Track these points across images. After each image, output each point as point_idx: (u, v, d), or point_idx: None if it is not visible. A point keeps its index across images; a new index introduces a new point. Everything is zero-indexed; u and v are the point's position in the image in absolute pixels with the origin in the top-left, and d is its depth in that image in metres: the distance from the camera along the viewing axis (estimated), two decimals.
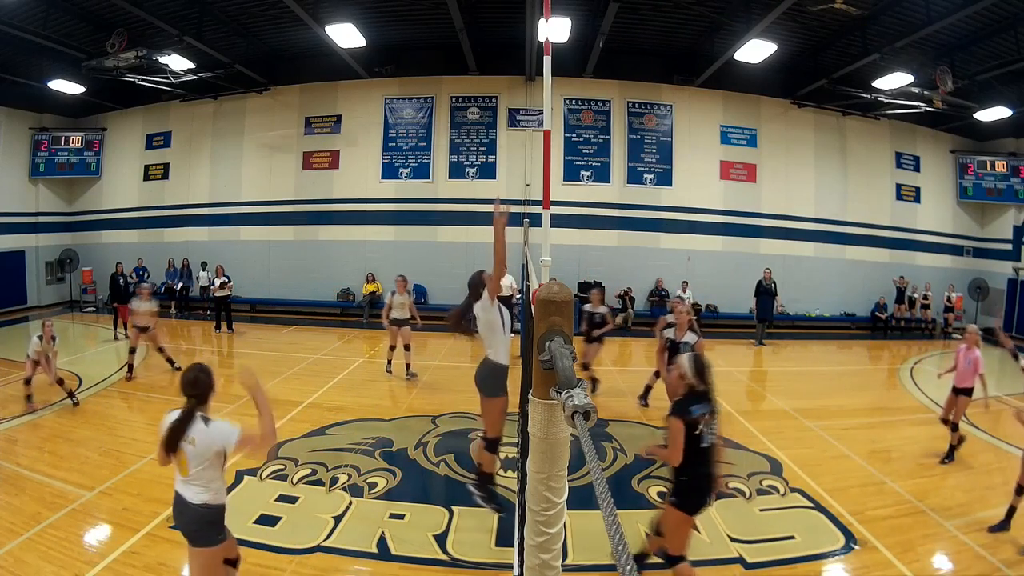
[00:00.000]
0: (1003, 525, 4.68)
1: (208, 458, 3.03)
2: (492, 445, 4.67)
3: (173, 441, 2.97)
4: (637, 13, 11.82)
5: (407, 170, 15.09)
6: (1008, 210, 15.76)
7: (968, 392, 6.21)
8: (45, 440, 6.06)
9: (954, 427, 6.29)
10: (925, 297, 15.19)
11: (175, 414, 3.00)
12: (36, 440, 5.97)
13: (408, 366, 9.27)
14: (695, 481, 3.46)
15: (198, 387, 3.04)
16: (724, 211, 15.15)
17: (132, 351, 8.94)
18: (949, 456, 6.25)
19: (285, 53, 14.65)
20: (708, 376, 3.47)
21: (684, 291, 14.66)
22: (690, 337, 6.43)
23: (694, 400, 3.43)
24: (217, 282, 12.73)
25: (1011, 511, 4.70)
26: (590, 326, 8.15)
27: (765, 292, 13.09)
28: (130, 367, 8.82)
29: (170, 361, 9.15)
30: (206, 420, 3.00)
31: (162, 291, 15.58)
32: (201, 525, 3.09)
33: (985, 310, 15.77)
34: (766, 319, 13.22)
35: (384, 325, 9.29)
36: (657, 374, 7.55)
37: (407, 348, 9.26)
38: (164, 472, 5.34)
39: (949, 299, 15.16)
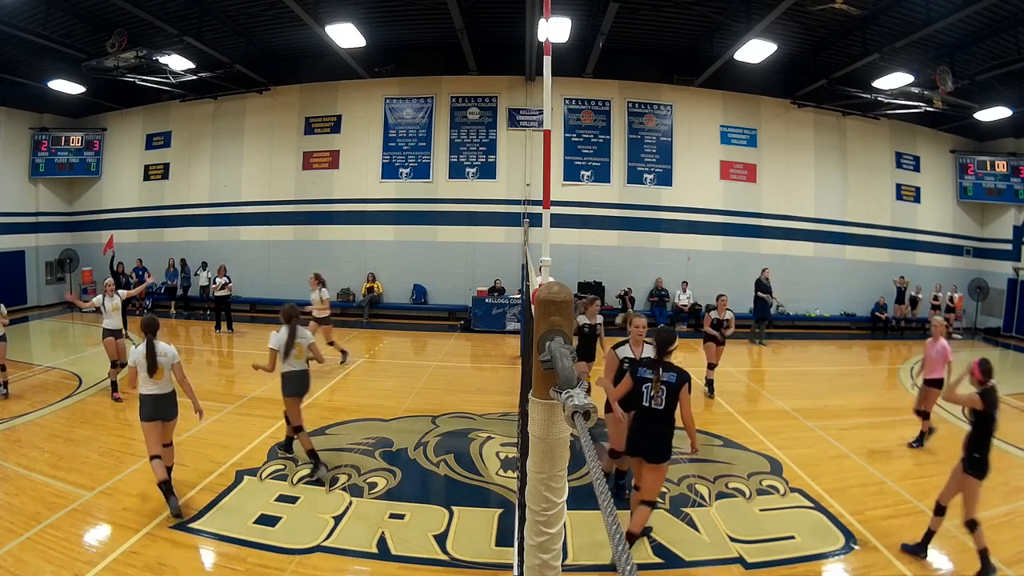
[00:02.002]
0: (919, 550, 4.26)
1: (170, 363, 4.82)
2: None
3: (153, 361, 4.71)
4: (637, 13, 11.81)
5: (407, 170, 15.09)
6: (1008, 210, 15.76)
7: (938, 383, 6.35)
8: (45, 440, 6.05)
9: (925, 415, 6.62)
10: (936, 298, 15.18)
11: (142, 347, 4.75)
12: (36, 440, 5.97)
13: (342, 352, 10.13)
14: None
15: (153, 326, 4.89)
16: (724, 211, 15.15)
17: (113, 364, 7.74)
18: (918, 441, 6.60)
19: (285, 53, 14.65)
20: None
21: (684, 291, 14.68)
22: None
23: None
24: (219, 281, 12.73)
25: (929, 534, 4.27)
26: (581, 341, 6.68)
27: (763, 291, 13.17)
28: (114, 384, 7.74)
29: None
30: (159, 343, 4.82)
31: (162, 291, 15.62)
32: (172, 405, 4.85)
33: (985, 310, 15.78)
34: (764, 318, 13.27)
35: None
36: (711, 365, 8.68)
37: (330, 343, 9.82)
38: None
39: (951, 299, 15.15)
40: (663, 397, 4.04)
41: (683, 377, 4.06)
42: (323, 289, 10.20)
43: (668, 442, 4.07)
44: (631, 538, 4.02)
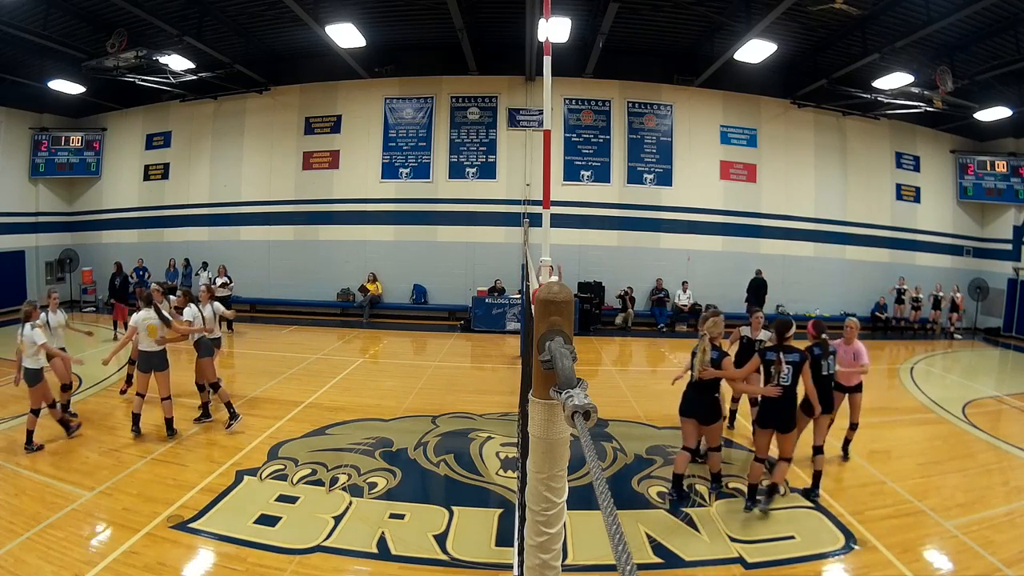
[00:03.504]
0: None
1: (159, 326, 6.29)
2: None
3: (164, 319, 6.37)
4: (637, 13, 11.82)
5: (407, 170, 15.10)
6: (1008, 210, 15.76)
7: (857, 388, 6.02)
8: (45, 440, 6.04)
9: (853, 427, 6.15)
10: (938, 301, 15.18)
11: (150, 312, 6.30)
12: (36, 440, 5.95)
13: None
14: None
15: (149, 298, 6.41)
16: (724, 211, 15.15)
17: (132, 361, 7.76)
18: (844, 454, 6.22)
19: (285, 53, 14.64)
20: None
21: (684, 291, 14.68)
22: (764, 335, 6.22)
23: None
24: (219, 281, 12.71)
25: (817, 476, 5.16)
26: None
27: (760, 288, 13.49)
28: (129, 378, 7.94)
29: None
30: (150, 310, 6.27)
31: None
32: (164, 358, 6.36)
33: (985, 310, 15.78)
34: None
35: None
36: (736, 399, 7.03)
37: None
38: (164, 472, 5.37)
39: (954, 299, 15.16)
40: (789, 375, 4.81)
41: (803, 357, 4.88)
42: (214, 303, 7.42)
43: (794, 413, 4.98)
44: (773, 489, 5.00)
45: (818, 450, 5.31)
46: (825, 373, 5.35)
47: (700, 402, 5.11)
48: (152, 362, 6.27)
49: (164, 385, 6.31)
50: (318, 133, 15.45)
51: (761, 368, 5.07)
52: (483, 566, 4.08)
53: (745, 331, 6.62)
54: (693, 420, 5.15)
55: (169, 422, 6.32)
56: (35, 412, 5.88)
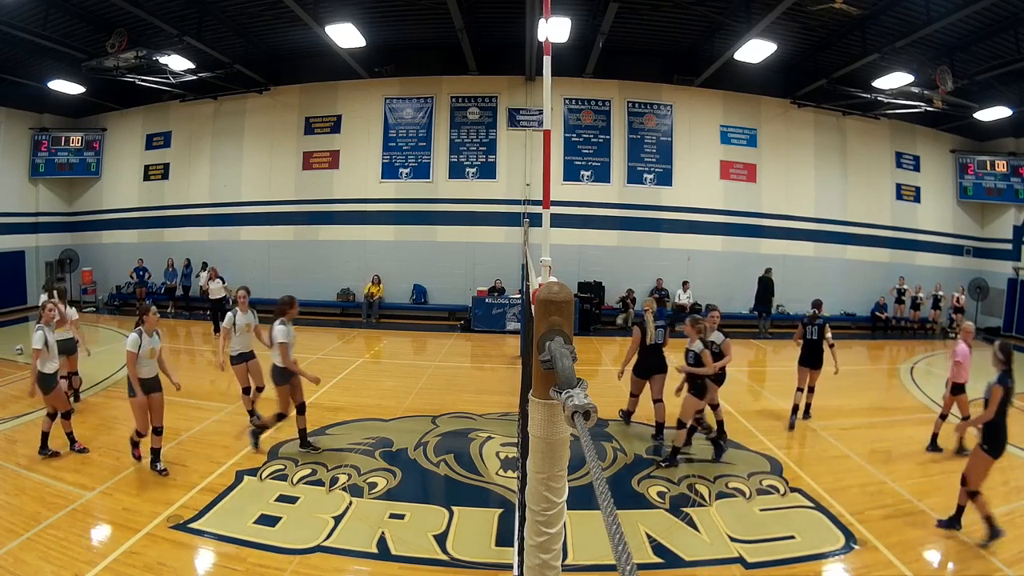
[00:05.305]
0: (953, 523, 4.67)
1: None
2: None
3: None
4: (637, 13, 11.82)
5: (407, 170, 15.10)
6: (1008, 210, 15.76)
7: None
8: (45, 440, 6.04)
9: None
10: (937, 300, 15.18)
11: (155, 337, 5.49)
12: (36, 440, 5.95)
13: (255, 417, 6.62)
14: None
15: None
16: (724, 211, 15.15)
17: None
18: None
19: (285, 53, 14.64)
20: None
21: (685, 291, 14.68)
22: (716, 336, 6.28)
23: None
24: (212, 284, 12.68)
25: (960, 510, 4.70)
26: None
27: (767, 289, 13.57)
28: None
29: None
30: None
31: (162, 291, 15.62)
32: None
33: (985, 310, 15.78)
34: (767, 313, 13.69)
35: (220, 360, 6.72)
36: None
37: (259, 390, 6.84)
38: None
39: (957, 300, 15.16)
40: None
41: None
42: (69, 308, 7.27)
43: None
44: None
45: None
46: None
47: (652, 364, 6.51)
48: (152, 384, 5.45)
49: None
50: (318, 133, 15.45)
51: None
52: (483, 566, 4.08)
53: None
54: (657, 376, 6.46)
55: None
56: (51, 416, 5.68)
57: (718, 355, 6.11)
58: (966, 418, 6.33)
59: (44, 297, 7.31)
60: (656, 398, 6.54)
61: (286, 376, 5.79)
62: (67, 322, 6.97)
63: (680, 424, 5.97)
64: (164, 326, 12.41)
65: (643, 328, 6.51)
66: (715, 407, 6.46)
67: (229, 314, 6.62)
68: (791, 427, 7.21)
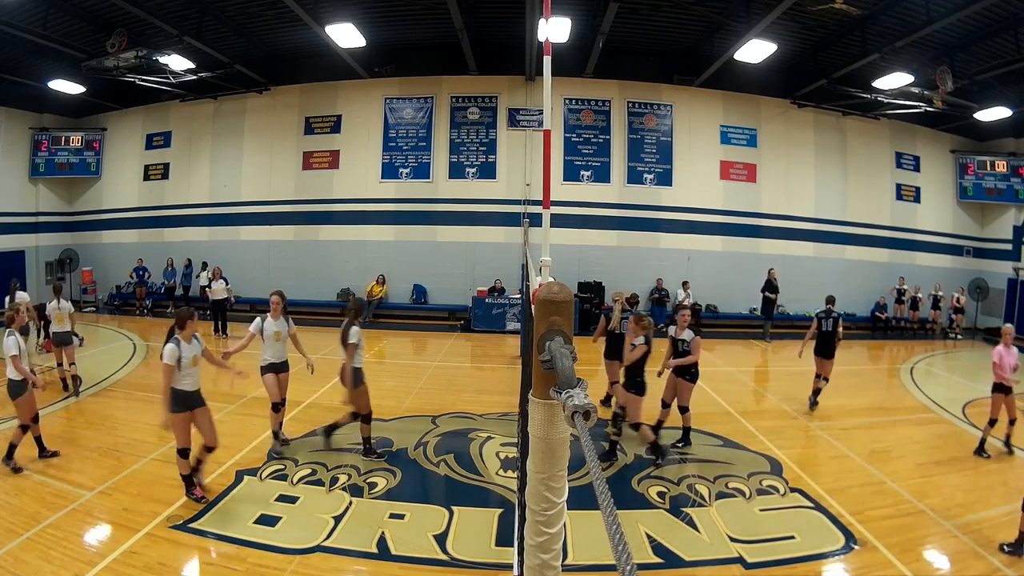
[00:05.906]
0: (1018, 549, 4.30)
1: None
2: None
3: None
4: (637, 13, 11.81)
5: (407, 170, 15.09)
6: (1008, 210, 15.76)
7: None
8: (45, 440, 6.03)
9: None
10: (937, 301, 15.18)
11: (194, 343, 4.91)
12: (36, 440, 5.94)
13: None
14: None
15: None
16: (724, 211, 15.14)
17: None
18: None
19: (285, 53, 14.64)
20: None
21: (685, 291, 14.67)
22: (687, 335, 6.41)
23: None
24: (214, 285, 12.67)
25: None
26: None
27: (771, 291, 13.52)
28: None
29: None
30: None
31: (161, 291, 15.62)
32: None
33: (985, 310, 15.77)
34: (771, 317, 13.65)
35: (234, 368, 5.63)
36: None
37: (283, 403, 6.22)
38: (164, 472, 5.36)
39: (958, 300, 15.16)
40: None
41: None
42: (63, 301, 7.81)
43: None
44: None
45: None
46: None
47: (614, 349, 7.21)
48: (192, 401, 4.85)
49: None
50: (318, 133, 15.44)
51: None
52: (483, 566, 4.08)
53: (671, 330, 6.86)
54: (616, 361, 7.01)
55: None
56: (24, 428, 5.45)
57: (685, 353, 6.35)
58: (1012, 421, 6.36)
59: (53, 300, 7.80)
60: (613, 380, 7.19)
61: (361, 376, 5.83)
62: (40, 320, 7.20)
63: (634, 427, 5.99)
64: (164, 326, 12.43)
65: (608, 318, 7.44)
66: (684, 410, 6.48)
67: (257, 319, 6.03)
68: (812, 406, 8.06)
